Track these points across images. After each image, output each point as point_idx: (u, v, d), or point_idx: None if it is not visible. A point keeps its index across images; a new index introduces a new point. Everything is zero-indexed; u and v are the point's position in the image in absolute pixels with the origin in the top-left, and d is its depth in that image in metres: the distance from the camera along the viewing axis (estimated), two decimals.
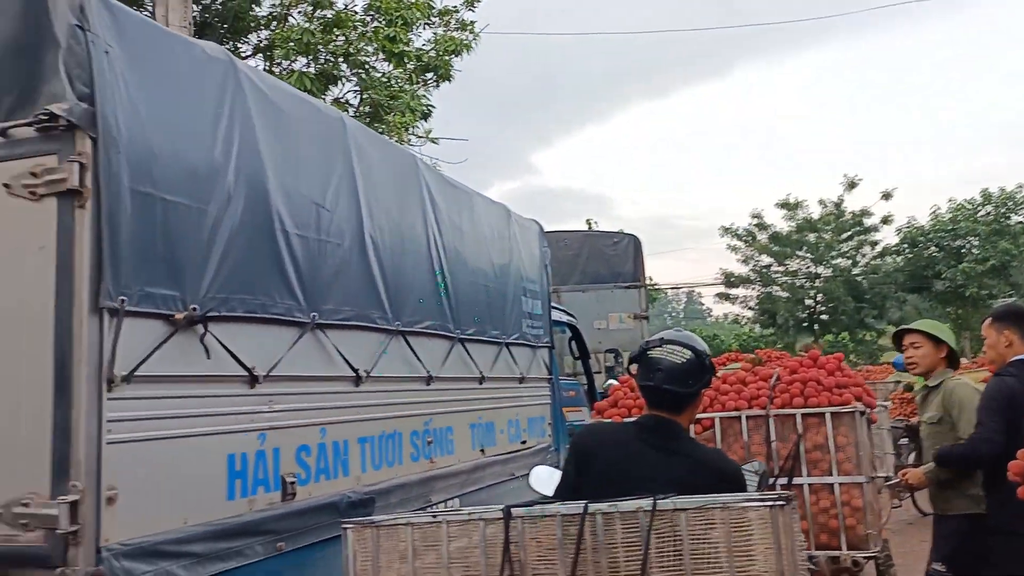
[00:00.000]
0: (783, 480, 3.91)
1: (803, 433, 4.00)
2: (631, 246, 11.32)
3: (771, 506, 1.96)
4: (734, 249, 32.77)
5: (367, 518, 2.22)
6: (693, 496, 2.03)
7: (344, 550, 2.20)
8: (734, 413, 4.15)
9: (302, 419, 3.32)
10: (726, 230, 32.63)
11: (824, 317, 32.44)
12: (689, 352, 2.43)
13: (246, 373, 2.99)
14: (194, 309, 2.72)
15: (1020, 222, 29.41)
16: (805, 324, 32.50)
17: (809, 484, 3.94)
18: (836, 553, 3.86)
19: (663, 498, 2.01)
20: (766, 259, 32.69)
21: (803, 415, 4.02)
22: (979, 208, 30.21)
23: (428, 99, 11.14)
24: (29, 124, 2.41)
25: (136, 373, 2.50)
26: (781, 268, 32.82)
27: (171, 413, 2.67)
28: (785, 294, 32.53)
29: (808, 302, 32.33)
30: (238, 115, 3.05)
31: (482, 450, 5.09)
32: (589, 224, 26.99)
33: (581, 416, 7.39)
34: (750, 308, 33.80)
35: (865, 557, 3.87)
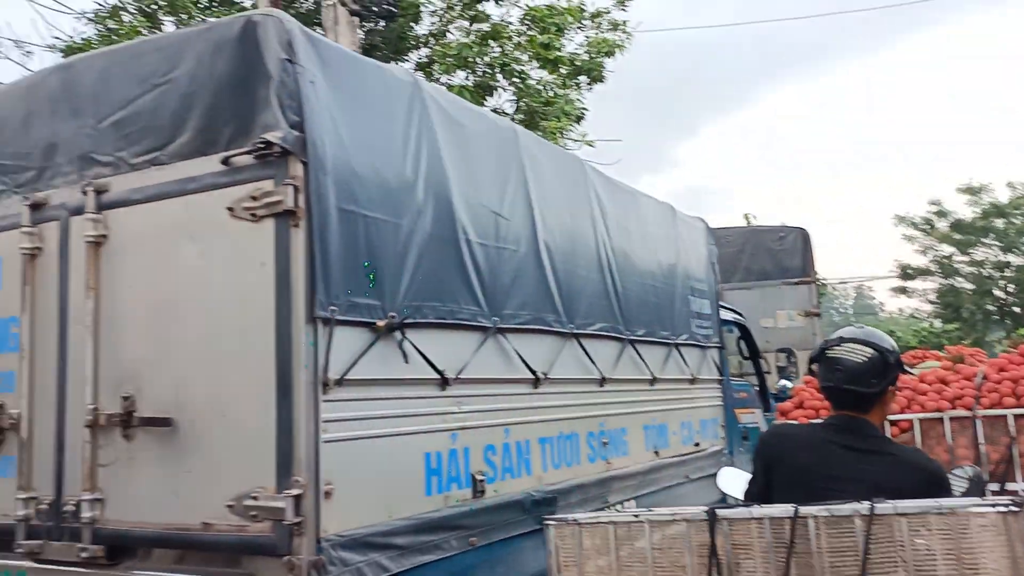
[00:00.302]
0: (994, 486, 3.62)
1: (1016, 435, 3.69)
2: (798, 239, 10.83)
3: (1003, 512, 1.83)
4: (910, 239, 30.58)
5: (569, 516, 2.27)
6: (913, 500, 1.93)
7: (547, 545, 2.26)
8: (936, 414, 3.89)
9: (488, 420, 3.45)
10: (901, 219, 30.52)
11: (1016, 309, 29.56)
12: (870, 350, 2.34)
13: (438, 376, 3.15)
14: (393, 317, 2.90)
15: None
16: (995, 318, 29.77)
17: None
18: None
19: (881, 502, 1.93)
20: (947, 249, 30.24)
21: (1016, 416, 3.71)
22: None
23: (582, 102, 11.20)
24: (248, 152, 2.66)
25: (346, 377, 2.69)
26: (965, 258, 30.24)
27: (376, 414, 2.85)
28: (970, 286, 29.93)
29: (997, 293, 29.59)
30: (424, 132, 3.22)
31: (656, 452, 5.05)
32: (747, 219, 26.00)
33: (754, 418, 7.15)
34: (930, 302, 31.41)
35: None
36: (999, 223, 29.12)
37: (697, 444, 5.68)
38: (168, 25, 10.65)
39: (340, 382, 2.66)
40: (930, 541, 1.91)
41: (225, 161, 2.72)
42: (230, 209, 2.68)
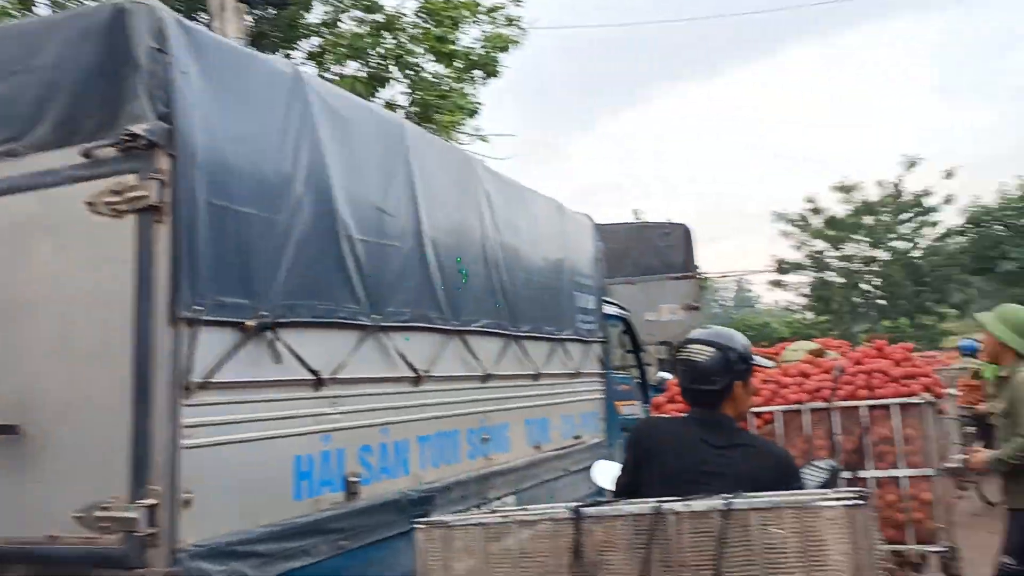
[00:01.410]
0: (847, 474, 3.86)
1: (868, 426, 3.93)
2: (681, 235, 11.21)
3: (848, 505, 1.94)
4: (787, 235, 32.25)
5: (437, 518, 2.27)
6: (766, 494, 2.02)
7: (416, 547, 2.25)
8: (796, 406, 4.09)
9: (365, 420, 3.40)
10: (779, 215, 32.11)
11: (882, 302, 31.69)
12: (711, 349, 2.46)
13: (312, 376, 3.07)
14: (264, 316, 2.80)
15: None
16: (861, 310, 31.80)
17: (875, 478, 3.87)
18: (903, 548, 3.79)
19: (735, 497, 2.01)
20: (820, 244, 32.05)
21: (869, 407, 3.95)
22: None
23: (476, 97, 11.19)
24: (111, 145, 2.51)
25: (211, 380, 2.59)
26: (836, 253, 32.13)
27: (242, 417, 2.75)
28: (840, 279, 31.85)
29: (864, 287, 31.61)
30: (306, 126, 3.14)
31: (537, 446, 5.12)
32: (636, 215, 26.81)
33: (634, 410, 7.37)
34: (802, 295, 33.24)
35: (934, 551, 3.80)
36: (868, 220, 31.07)
37: (578, 437, 5.79)
38: (43, 8, 9.94)
39: (204, 385, 2.56)
40: (782, 534, 2.00)
41: (86, 154, 2.56)
42: (90, 204, 2.53)
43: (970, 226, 29.66)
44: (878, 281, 31.26)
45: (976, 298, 31.29)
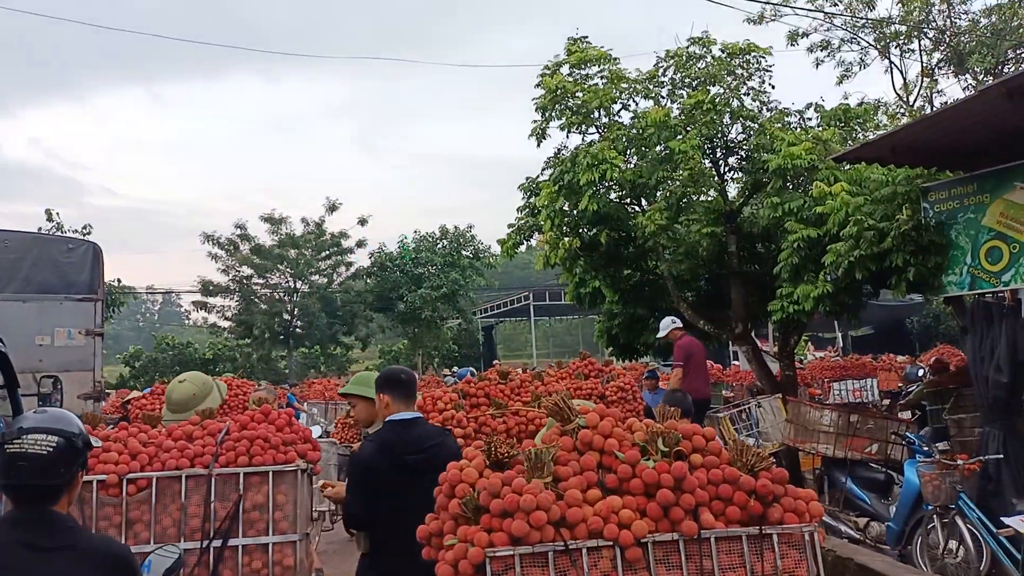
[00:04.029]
0: (217, 543, 3.83)
1: (245, 492, 3.96)
2: (88, 253, 10.06)
3: None
4: (215, 257, 31.98)
5: None
6: None
7: None
8: (174, 472, 3.92)
9: None
10: (208, 237, 31.64)
11: (299, 331, 33.58)
12: (55, 438, 2.22)
13: None
14: None
15: (467, 256, 34.47)
16: (281, 337, 33.21)
17: (244, 545, 3.90)
18: None
19: None
20: (247, 270, 32.57)
21: (246, 474, 3.98)
22: (438, 241, 34.57)
23: None
24: None
25: None
26: (261, 280, 33.03)
27: None
28: (264, 306, 32.80)
29: (286, 316, 33.13)
30: None
31: None
32: (49, 214, 23.58)
33: None
34: (226, 318, 33.29)
35: None
36: (292, 253, 32.71)
37: None
38: None
39: None
40: None
41: None
42: None
43: (375, 269, 33.59)
44: (298, 311, 33.09)
45: (376, 332, 35.50)
